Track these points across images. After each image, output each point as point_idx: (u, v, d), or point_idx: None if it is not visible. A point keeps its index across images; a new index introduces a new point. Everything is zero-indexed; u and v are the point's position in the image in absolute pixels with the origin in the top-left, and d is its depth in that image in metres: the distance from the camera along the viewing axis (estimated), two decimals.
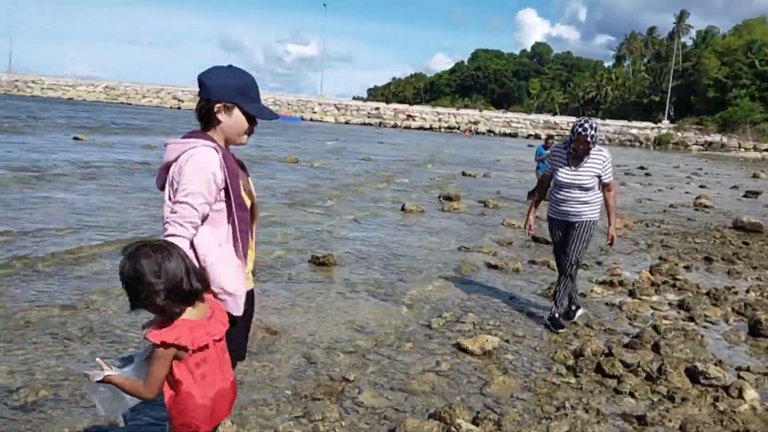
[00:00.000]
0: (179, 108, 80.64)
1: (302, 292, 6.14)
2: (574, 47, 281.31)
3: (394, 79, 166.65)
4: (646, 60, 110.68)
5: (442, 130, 79.18)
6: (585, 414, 3.87)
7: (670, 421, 3.85)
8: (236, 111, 2.49)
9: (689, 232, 11.72)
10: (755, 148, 66.02)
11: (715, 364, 4.67)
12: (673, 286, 7.36)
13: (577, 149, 5.23)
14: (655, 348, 5.05)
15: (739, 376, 4.59)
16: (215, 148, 2.43)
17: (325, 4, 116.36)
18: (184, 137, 2.49)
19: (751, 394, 4.23)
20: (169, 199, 2.40)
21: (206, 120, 2.51)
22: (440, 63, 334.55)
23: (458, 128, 79.17)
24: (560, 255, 5.60)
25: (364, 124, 79.77)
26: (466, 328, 5.47)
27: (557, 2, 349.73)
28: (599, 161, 5.31)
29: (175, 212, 2.32)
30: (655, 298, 6.81)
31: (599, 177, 5.33)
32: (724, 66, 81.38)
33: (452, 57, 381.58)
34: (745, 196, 20.06)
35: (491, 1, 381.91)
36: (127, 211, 9.86)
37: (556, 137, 14.88)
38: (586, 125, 5.14)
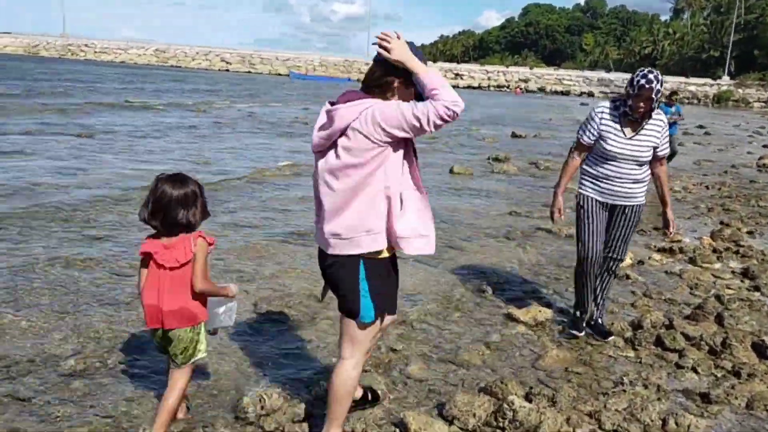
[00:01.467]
0: (227, 70, 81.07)
1: None
2: (630, 0, 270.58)
3: (441, 36, 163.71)
4: (705, 13, 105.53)
5: (491, 88, 77.55)
6: (644, 390, 3.70)
7: (735, 398, 3.64)
8: (413, 91, 2.60)
9: (752, 195, 11.17)
10: None
11: None
12: (737, 252, 7.01)
13: (636, 109, 4.02)
14: (719, 320, 4.80)
15: None
16: None
17: None
18: (346, 100, 2.57)
19: None
20: (344, 150, 2.52)
21: (379, 88, 2.60)
22: (490, 20, 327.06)
23: (508, 87, 77.41)
24: (597, 247, 4.37)
25: None
26: (518, 296, 5.30)
27: None
28: (658, 128, 4.16)
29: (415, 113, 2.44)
30: (717, 265, 6.49)
31: (655, 148, 4.20)
32: None
33: (502, 13, 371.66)
34: None
35: None
36: None
37: (680, 96, 12.11)
38: (651, 76, 3.93)
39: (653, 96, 3.96)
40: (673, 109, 12.43)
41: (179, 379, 2.89)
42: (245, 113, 22.22)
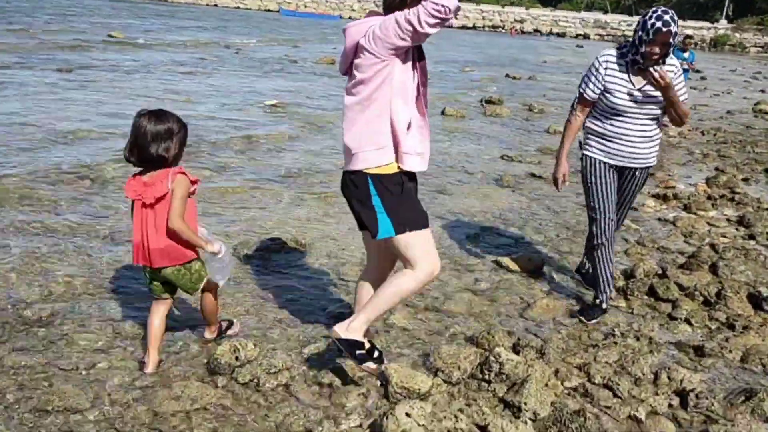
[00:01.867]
0: (216, 5, 78.67)
1: (334, 203, 5.84)
2: None
3: None
4: None
5: (486, 29, 75.94)
6: (636, 342, 3.57)
7: (730, 351, 3.52)
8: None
9: (748, 141, 10.99)
10: None
11: None
12: (732, 200, 6.86)
13: (651, 56, 3.40)
14: (713, 269, 4.67)
15: None
16: None
17: None
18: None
19: None
20: (356, 69, 2.64)
21: (397, 8, 2.55)
22: None
23: (503, 27, 75.78)
24: (612, 215, 3.77)
25: None
26: (508, 243, 5.14)
27: None
28: (670, 74, 3.48)
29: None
30: (712, 213, 6.34)
31: None
32: None
33: None
34: None
35: None
36: None
37: (695, 40, 10.30)
38: (667, 17, 3.33)
39: (671, 40, 3.35)
40: (686, 55, 11.70)
41: (208, 294, 3.12)
42: (233, 50, 21.58)
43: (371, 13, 2.67)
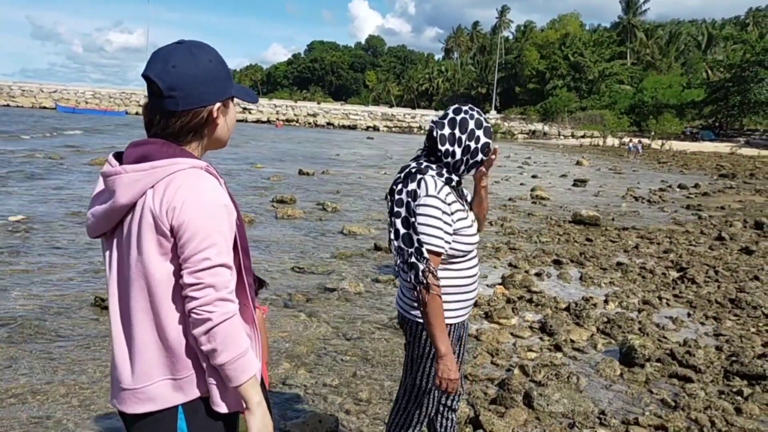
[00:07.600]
0: None
1: None
2: (406, 40, 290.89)
3: None
4: (472, 53, 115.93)
5: (281, 123, 77.24)
6: None
7: None
8: (231, 104, 1.76)
9: (533, 229, 11.34)
10: (573, 135, 71.15)
11: (600, 420, 3.81)
12: (530, 301, 6.62)
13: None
14: (528, 401, 4.12)
15: None
16: (212, 172, 1.70)
17: None
18: (139, 155, 1.60)
19: None
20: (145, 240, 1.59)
21: (193, 133, 1.67)
22: (277, 54, 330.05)
23: (297, 121, 77.66)
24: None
25: None
26: (296, 392, 4.20)
27: None
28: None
29: (205, 284, 1.55)
30: (514, 320, 5.97)
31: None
32: (543, 59, 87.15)
33: (289, 48, 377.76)
34: (574, 184, 20.68)
35: None
36: None
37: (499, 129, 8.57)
38: (448, 111, 2.57)
39: (433, 141, 2.50)
40: None
41: None
42: None
43: (149, 145, 1.61)
